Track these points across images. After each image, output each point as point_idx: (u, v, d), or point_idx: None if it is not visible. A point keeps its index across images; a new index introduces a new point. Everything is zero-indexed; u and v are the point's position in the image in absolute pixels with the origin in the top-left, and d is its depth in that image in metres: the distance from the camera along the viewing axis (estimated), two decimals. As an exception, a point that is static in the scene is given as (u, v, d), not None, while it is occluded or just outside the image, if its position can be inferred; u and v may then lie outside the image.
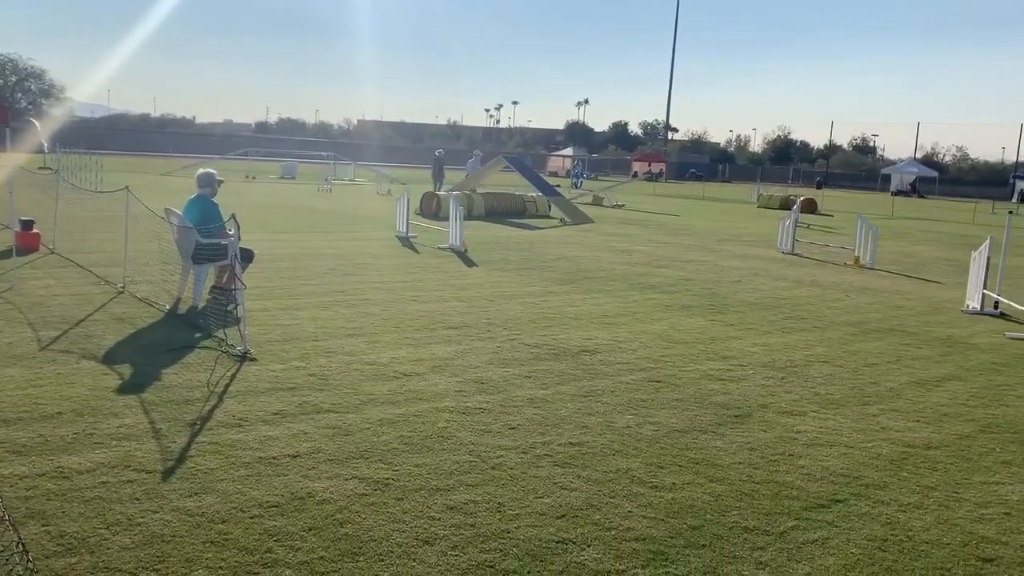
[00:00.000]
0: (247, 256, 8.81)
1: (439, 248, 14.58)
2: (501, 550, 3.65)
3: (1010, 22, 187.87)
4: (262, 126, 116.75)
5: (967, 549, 3.91)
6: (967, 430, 5.72)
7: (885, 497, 4.47)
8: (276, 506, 3.98)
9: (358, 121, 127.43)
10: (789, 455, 5.04)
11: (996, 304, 10.68)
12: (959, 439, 5.52)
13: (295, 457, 4.59)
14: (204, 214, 8.60)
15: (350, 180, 41.38)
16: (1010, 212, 11.86)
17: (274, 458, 4.57)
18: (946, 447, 5.34)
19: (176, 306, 8.32)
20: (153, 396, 5.52)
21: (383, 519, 3.90)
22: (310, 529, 3.76)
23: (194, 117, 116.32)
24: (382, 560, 3.52)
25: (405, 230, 16.38)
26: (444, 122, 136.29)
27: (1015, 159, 75.58)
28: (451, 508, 4.04)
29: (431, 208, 21.86)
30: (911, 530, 4.08)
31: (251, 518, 3.84)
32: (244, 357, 6.56)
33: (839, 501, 4.38)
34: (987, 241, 10.85)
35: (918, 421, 5.87)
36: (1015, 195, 59.71)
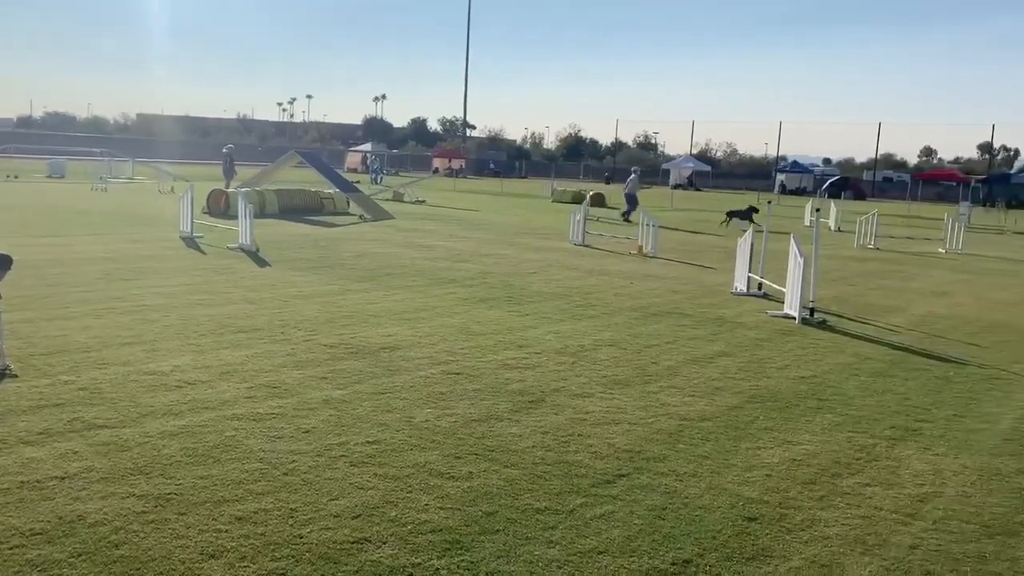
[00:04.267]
0: (2, 262, 7.94)
1: (228, 248, 13.90)
2: (293, 556, 3.55)
3: (770, 29, 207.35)
4: (25, 121, 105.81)
5: (735, 511, 4.27)
6: (735, 401, 6.26)
7: (664, 468, 4.79)
8: (41, 533, 3.63)
9: (137, 115, 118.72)
10: (579, 435, 5.28)
11: (760, 286, 11.76)
12: (729, 410, 6.02)
13: (63, 479, 4.21)
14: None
15: (129, 178, 38.49)
16: (770, 202, 13.08)
17: (39, 481, 4.17)
18: (717, 418, 5.81)
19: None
20: None
21: (164, 536, 3.67)
22: (80, 555, 3.47)
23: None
24: (163, 580, 3.31)
25: (190, 230, 15.47)
26: (233, 116, 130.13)
27: (776, 154, 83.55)
28: (239, 519, 3.87)
29: (219, 206, 20.80)
30: (687, 498, 4.40)
31: (11, 549, 3.48)
32: (3, 374, 5.92)
33: (623, 476, 4.65)
34: (750, 229, 11.91)
35: (693, 395, 6.35)
36: (776, 187, 65.99)
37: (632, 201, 26.41)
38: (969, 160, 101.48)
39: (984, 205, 50.54)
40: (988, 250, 21.81)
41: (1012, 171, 76.40)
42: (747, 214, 25.05)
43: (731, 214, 25.51)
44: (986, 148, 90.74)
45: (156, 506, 3.96)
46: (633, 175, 28.10)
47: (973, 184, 58.47)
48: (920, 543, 4.00)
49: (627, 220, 25.32)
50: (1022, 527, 4.24)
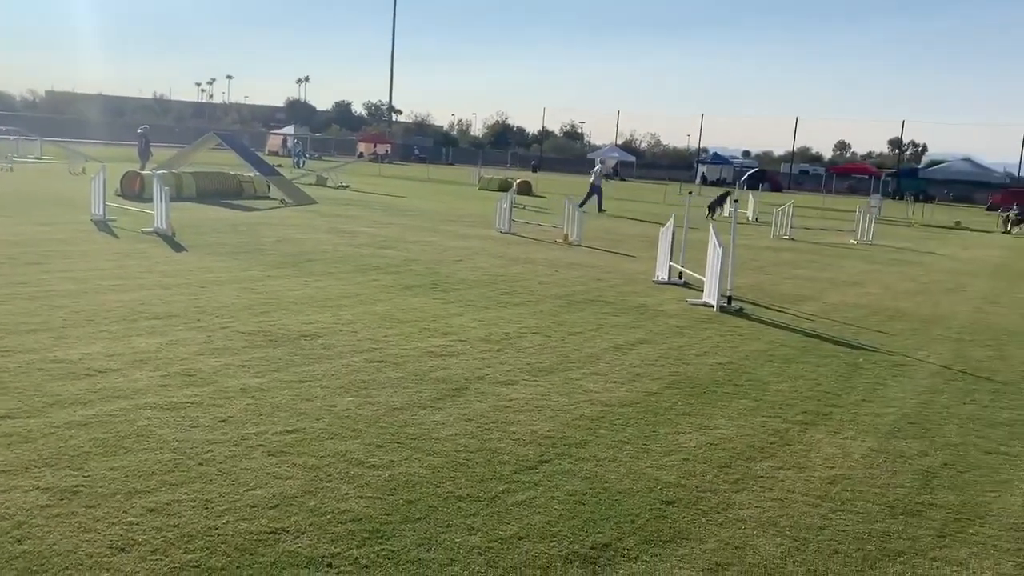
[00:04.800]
0: None
1: (142, 232, 13.43)
2: (208, 548, 3.46)
3: (693, 24, 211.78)
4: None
5: (653, 494, 4.35)
6: (655, 387, 6.37)
7: (585, 454, 4.85)
8: (-66, 531, 3.45)
9: (46, 93, 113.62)
10: (502, 422, 5.29)
11: (680, 274, 11.99)
12: (648, 396, 6.13)
13: (-40, 473, 4.01)
14: None
15: (37, 158, 36.82)
16: (690, 193, 13.34)
17: (-68, 476, 3.95)
18: (637, 404, 5.91)
19: None
20: None
21: (71, 530, 3.53)
22: (-22, 552, 3.30)
23: None
24: (68, 575, 3.18)
25: (102, 213, 14.89)
26: (149, 96, 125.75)
27: (698, 146, 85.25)
28: (151, 510, 3.75)
29: (134, 188, 20.07)
30: (607, 482, 4.46)
31: (-100, 549, 3.29)
32: None
33: (545, 462, 4.68)
34: (671, 219, 12.12)
35: (615, 382, 6.44)
36: (698, 178, 67.34)
37: (596, 191, 26.31)
38: (881, 155, 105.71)
39: (894, 198, 52.68)
40: (897, 242, 22.75)
41: (920, 166, 79.85)
42: (722, 199, 25.41)
43: (711, 207, 25.27)
44: (896, 143, 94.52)
45: (62, 499, 3.81)
46: (599, 165, 27.79)
47: (884, 178, 60.89)
48: (829, 524, 4.15)
49: (601, 210, 25.55)
50: (923, 507, 4.44)
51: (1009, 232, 30.29)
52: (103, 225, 14.22)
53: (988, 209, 48.86)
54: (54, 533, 3.50)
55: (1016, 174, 68.65)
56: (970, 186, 62.58)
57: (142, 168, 25.91)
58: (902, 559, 3.83)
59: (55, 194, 20.08)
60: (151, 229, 13.57)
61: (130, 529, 3.57)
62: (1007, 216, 31.79)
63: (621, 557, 3.65)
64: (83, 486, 3.96)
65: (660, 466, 4.75)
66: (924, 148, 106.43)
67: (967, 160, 69.16)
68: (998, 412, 6.33)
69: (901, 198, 52.33)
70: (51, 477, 4.03)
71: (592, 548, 3.71)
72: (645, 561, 3.63)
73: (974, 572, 3.76)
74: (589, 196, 26.06)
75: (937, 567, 3.78)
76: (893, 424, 5.86)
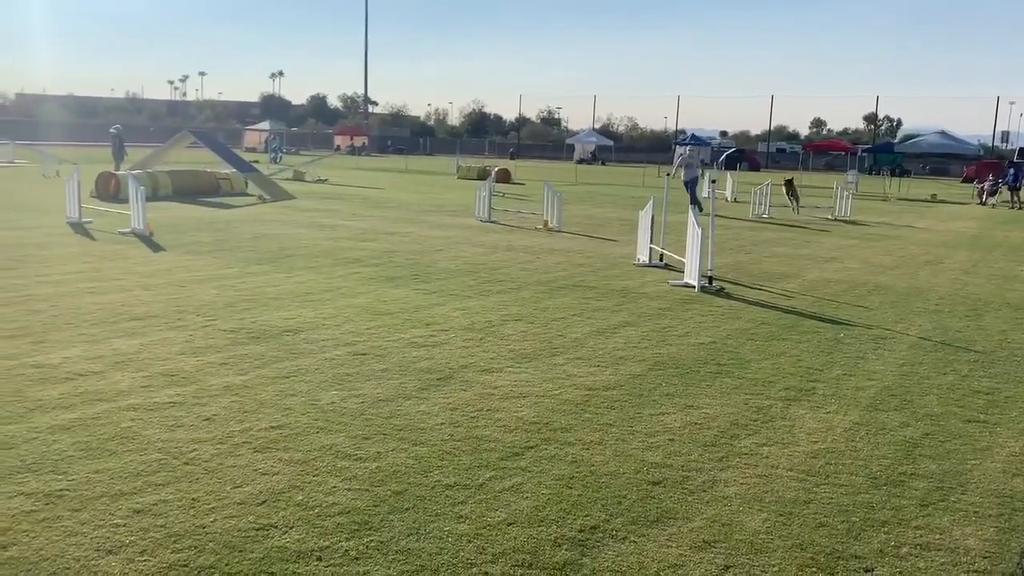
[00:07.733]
0: None
1: (119, 233, 13.30)
2: (196, 547, 3.45)
3: (671, 4, 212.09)
4: None
5: (639, 475, 4.38)
6: (639, 369, 6.40)
7: (571, 438, 4.87)
8: (-82, 541, 3.42)
9: (16, 95, 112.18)
10: (487, 410, 5.31)
11: (661, 256, 12.03)
12: (632, 378, 6.16)
13: (-58, 482, 3.97)
14: None
15: (9, 162, 36.33)
16: (667, 175, 13.36)
17: (-86, 487, 3.92)
18: (622, 387, 5.93)
19: None
20: None
21: (57, 534, 3.51)
22: (-37, 561, 3.28)
23: None
24: (56, 580, 3.17)
25: (78, 215, 14.73)
26: (122, 95, 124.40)
27: (675, 127, 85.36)
28: (138, 512, 3.74)
29: (109, 189, 19.86)
30: (593, 465, 4.49)
31: None
32: None
33: (531, 447, 4.70)
34: (650, 202, 12.15)
35: (598, 366, 6.46)
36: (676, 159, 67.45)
37: (690, 187, 21.06)
38: (856, 130, 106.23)
39: (870, 173, 52.98)
40: (874, 216, 22.92)
41: (895, 140, 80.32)
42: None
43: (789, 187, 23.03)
44: (871, 119, 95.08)
45: (47, 504, 3.79)
46: (687, 154, 22.96)
47: (860, 153, 61.18)
48: (813, 497, 4.20)
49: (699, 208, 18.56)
50: (906, 476, 4.50)
51: (984, 203, 30.59)
52: (79, 227, 14.07)
53: (963, 181, 49.31)
54: (40, 538, 3.48)
55: (990, 145, 69.27)
56: (945, 159, 63.07)
57: (117, 168, 25.65)
58: (886, 529, 3.89)
59: (29, 198, 19.83)
60: (128, 230, 13.45)
61: (117, 531, 3.56)
62: (982, 187, 32.11)
63: (609, 539, 3.68)
64: (68, 490, 3.94)
65: (646, 447, 4.78)
66: (899, 123, 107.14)
67: (941, 133, 69.45)
68: (977, 381, 6.42)
69: (877, 173, 52.63)
70: (35, 482, 4.01)
71: (580, 531, 3.74)
72: (633, 542, 3.66)
73: (957, 539, 3.81)
74: (693, 196, 20.35)
75: (921, 535, 3.83)
76: (875, 397, 5.93)
